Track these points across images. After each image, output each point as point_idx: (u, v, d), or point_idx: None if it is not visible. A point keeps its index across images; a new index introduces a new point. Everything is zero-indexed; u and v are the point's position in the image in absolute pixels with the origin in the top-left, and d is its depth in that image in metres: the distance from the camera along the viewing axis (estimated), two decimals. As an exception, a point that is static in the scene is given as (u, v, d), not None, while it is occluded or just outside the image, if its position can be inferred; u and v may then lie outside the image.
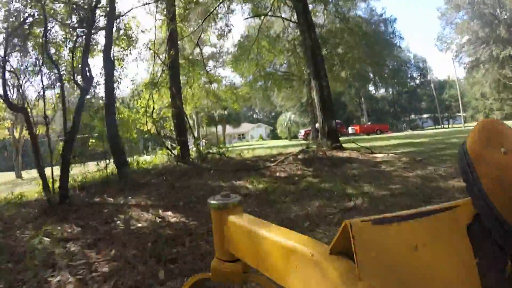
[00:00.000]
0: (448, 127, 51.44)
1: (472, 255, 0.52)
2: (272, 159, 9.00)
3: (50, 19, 7.29)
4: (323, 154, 8.79)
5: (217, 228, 0.91)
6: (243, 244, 0.81)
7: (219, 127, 47.07)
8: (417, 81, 60.39)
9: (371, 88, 56.39)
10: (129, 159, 8.72)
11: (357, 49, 21.34)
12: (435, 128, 50.01)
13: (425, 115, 63.50)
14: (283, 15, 17.44)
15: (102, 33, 8.48)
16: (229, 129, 52.70)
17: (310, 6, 16.58)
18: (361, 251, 0.45)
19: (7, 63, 6.19)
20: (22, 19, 6.96)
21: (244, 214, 0.88)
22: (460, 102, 45.97)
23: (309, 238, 0.63)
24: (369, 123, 42.45)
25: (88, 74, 6.72)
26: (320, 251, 0.55)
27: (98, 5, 7.46)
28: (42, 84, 6.70)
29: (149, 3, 11.58)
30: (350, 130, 35.80)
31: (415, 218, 0.50)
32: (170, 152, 9.75)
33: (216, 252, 0.92)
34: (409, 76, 58.93)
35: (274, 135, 54.98)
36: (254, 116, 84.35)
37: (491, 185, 0.51)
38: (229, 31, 17.16)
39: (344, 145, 11.43)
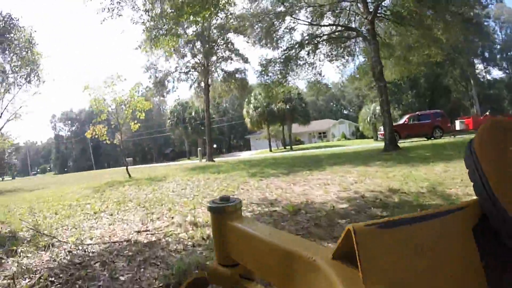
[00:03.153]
0: None
1: (479, 258, 0.56)
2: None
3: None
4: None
5: (217, 232, 0.97)
6: (243, 248, 0.87)
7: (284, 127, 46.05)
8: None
9: (479, 66, 47.93)
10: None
11: None
12: None
13: None
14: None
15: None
16: (301, 127, 49.35)
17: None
18: (365, 256, 0.47)
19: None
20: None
21: (244, 218, 0.95)
22: None
23: (311, 242, 0.69)
24: (488, 113, 32.21)
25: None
26: (322, 256, 0.59)
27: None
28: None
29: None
30: (458, 125, 28.19)
31: (421, 221, 0.53)
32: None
33: (216, 256, 0.98)
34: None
35: (361, 134, 49.82)
36: (344, 111, 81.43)
37: (499, 185, 0.55)
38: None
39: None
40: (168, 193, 8.60)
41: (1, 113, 23.24)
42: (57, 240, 4.81)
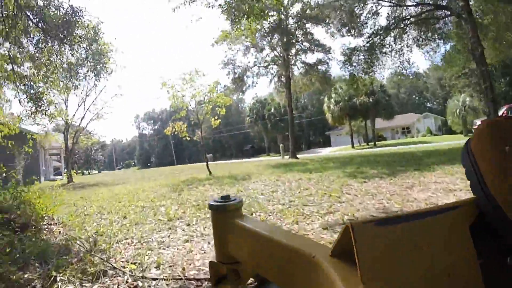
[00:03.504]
0: None
1: (476, 256, 0.55)
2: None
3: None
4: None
5: (217, 230, 0.97)
6: (244, 246, 0.87)
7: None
8: None
9: None
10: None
11: None
12: None
13: None
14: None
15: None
16: (384, 122, 46.63)
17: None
18: (363, 253, 0.47)
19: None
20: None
21: (245, 216, 0.94)
22: None
23: (311, 240, 0.70)
24: None
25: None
26: (322, 253, 0.59)
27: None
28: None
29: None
30: None
31: (418, 219, 0.53)
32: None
33: (216, 255, 0.97)
34: None
35: (448, 128, 46.22)
36: (427, 104, 75.32)
37: (496, 183, 0.55)
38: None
39: None
40: (256, 196, 7.07)
41: (84, 114, 24.70)
42: (111, 266, 3.39)
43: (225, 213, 0.94)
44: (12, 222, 5.63)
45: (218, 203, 0.95)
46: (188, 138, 16.28)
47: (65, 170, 26.56)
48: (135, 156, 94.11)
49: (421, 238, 0.53)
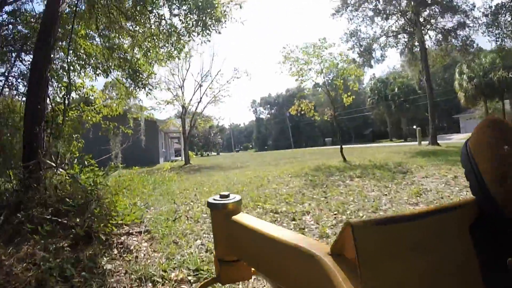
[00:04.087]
0: None
1: (475, 256, 0.54)
2: None
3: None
4: None
5: (217, 228, 0.95)
6: (243, 244, 0.85)
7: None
8: None
9: None
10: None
11: None
12: None
13: None
14: None
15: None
16: None
17: None
18: (363, 252, 0.47)
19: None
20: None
21: (244, 214, 0.91)
22: None
23: (310, 239, 0.64)
24: None
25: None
26: (321, 252, 0.57)
27: None
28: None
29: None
30: None
31: (418, 219, 0.52)
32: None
33: (216, 253, 0.95)
34: None
35: None
36: None
37: (495, 184, 0.53)
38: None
39: None
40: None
41: (201, 98, 25.25)
42: None
43: (225, 212, 0.92)
44: (73, 230, 3.72)
45: (218, 201, 0.93)
46: (318, 118, 14.30)
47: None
48: (252, 139, 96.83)
49: (421, 238, 0.53)
